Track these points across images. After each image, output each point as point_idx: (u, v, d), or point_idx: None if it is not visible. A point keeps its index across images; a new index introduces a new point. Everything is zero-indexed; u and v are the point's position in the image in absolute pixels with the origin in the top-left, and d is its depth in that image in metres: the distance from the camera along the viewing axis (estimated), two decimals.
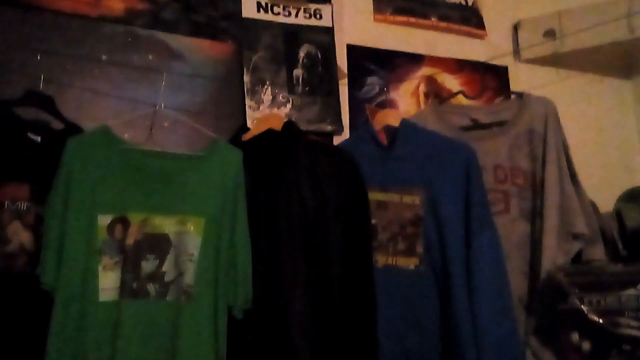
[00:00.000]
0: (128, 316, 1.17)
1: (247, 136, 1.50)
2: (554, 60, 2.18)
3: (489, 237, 1.45)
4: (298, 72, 1.81)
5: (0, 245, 1.22)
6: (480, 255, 1.42)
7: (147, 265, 1.21)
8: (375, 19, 2.00)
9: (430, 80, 2.02)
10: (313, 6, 1.87)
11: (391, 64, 1.98)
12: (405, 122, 1.58)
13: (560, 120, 1.70)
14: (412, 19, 2.04)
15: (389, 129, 1.58)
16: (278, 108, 1.75)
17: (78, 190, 1.20)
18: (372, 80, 1.95)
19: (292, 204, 1.35)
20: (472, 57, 2.11)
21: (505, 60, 2.15)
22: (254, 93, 1.74)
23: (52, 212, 1.19)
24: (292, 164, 1.39)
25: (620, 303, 1.39)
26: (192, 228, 1.25)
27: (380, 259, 1.46)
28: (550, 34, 2.11)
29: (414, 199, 1.48)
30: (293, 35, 1.83)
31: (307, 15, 1.86)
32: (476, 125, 1.73)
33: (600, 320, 1.39)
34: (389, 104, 1.91)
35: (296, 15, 1.85)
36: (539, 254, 1.57)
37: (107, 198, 1.22)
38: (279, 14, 1.83)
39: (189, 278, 1.22)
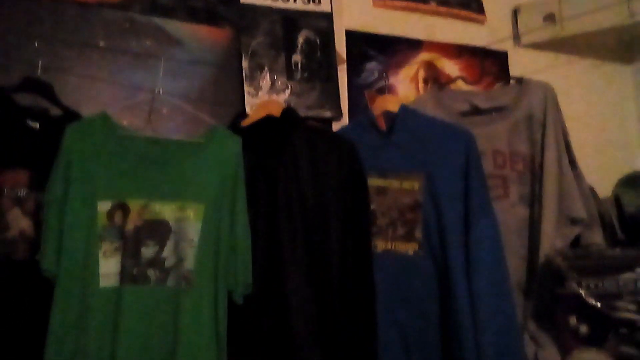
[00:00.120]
0: (129, 302, 1.18)
1: (245, 122, 1.50)
2: (554, 45, 2.17)
3: (488, 222, 1.45)
4: (297, 58, 1.80)
5: (0, 232, 1.23)
6: (479, 240, 1.43)
7: (147, 251, 1.22)
8: (374, 4, 1.99)
9: (430, 66, 2.02)
10: None
11: (390, 49, 1.97)
12: (404, 108, 1.57)
13: (560, 105, 1.70)
14: (412, 4, 2.03)
15: (388, 115, 1.57)
16: (277, 94, 1.74)
17: (77, 177, 1.20)
18: (371, 65, 1.94)
19: (292, 190, 1.35)
20: (472, 42, 2.10)
21: (504, 45, 2.14)
22: (252, 79, 1.73)
23: (52, 198, 1.19)
24: (291, 150, 1.39)
25: (618, 287, 1.40)
26: (191, 214, 1.26)
27: (380, 245, 1.46)
28: (550, 18, 2.10)
29: (413, 185, 1.48)
30: (291, 20, 1.82)
31: (306, 0, 1.85)
32: (475, 111, 1.73)
33: (598, 304, 1.40)
34: (388, 90, 1.90)
35: (295, 1, 1.84)
36: (538, 239, 1.57)
37: (106, 184, 1.22)
38: None
39: (189, 264, 1.23)
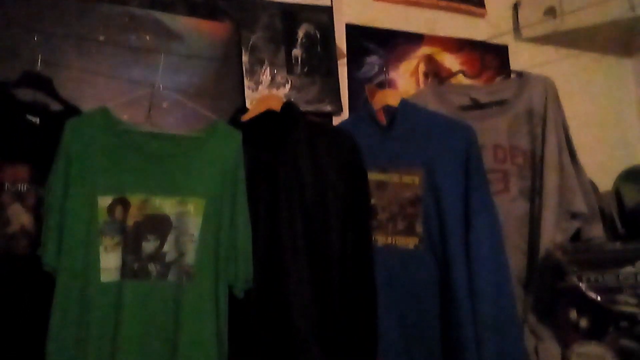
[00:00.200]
0: (130, 296, 1.18)
1: (246, 117, 1.50)
2: (555, 39, 2.17)
3: (489, 217, 1.45)
4: (297, 52, 1.80)
5: (1, 227, 1.23)
6: (479, 234, 1.43)
7: (148, 246, 1.22)
8: None
9: (430, 60, 2.01)
10: None
11: (391, 43, 1.97)
12: (404, 102, 1.57)
13: (560, 99, 1.69)
14: None
15: (388, 109, 1.57)
16: (277, 89, 1.74)
17: (78, 172, 1.20)
18: (371, 59, 1.94)
19: (292, 185, 1.35)
20: (472, 36, 2.09)
21: (505, 39, 2.14)
22: (252, 73, 1.73)
23: (53, 193, 1.19)
24: (291, 145, 1.39)
25: (618, 280, 1.41)
26: (192, 209, 1.26)
27: (380, 239, 1.46)
28: (550, 12, 2.09)
29: (413, 179, 1.48)
30: (291, 14, 1.82)
31: None
32: (476, 105, 1.73)
33: (598, 298, 1.40)
34: (388, 84, 1.90)
35: None
36: (538, 233, 1.57)
37: (106, 179, 1.23)
38: None
39: (189, 258, 1.23)
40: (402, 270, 1.45)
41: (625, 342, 1.37)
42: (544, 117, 1.65)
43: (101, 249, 1.20)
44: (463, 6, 2.10)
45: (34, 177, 1.26)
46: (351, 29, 1.92)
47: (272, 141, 1.40)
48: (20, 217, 1.25)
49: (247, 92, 1.70)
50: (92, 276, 1.18)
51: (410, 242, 1.46)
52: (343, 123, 1.65)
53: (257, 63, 1.74)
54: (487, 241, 1.43)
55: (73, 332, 1.15)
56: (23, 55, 1.45)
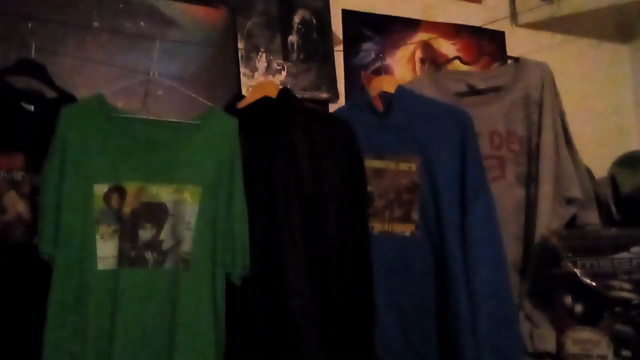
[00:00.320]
0: (127, 284, 1.18)
1: (242, 104, 1.49)
2: (551, 25, 2.16)
3: (485, 203, 1.45)
4: (293, 38, 1.79)
5: None
6: (475, 220, 1.43)
7: (145, 234, 1.22)
8: None
9: (427, 46, 2.00)
10: None
11: (387, 29, 1.96)
12: (401, 89, 1.56)
13: (557, 85, 1.69)
14: None
15: (384, 96, 1.57)
16: (273, 75, 1.73)
17: (73, 160, 1.20)
18: (367, 46, 1.93)
19: (289, 172, 1.35)
20: (469, 22, 2.08)
21: (502, 24, 2.13)
22: (248, 60, 1.72)
23: (48, 181, 1.18)
24: (288, 132, 1.38)
25: (613, 266, 1.41)
26: (188, 197, 1.25)
27: (377, 226, 1.46)
28: None
29: (409, 166, 1.48)
30: (287, 0, 1.80)
31: None
32: (472, 91, 1.72)
33: (594, 283, 1.41)
34: (384, 71, 1.89)
35: None
36: (534, 219, 1.58)
37: (102, 167, 1.22)
38: None
39: (186, 246, 1.23)
40: (399, 257, 1.45)
41: (620, 327, 1.39)
42: (540, 103, 1.65)
43: (98, 237, 1.19)
44: None
45: (30, 165, 1.26)
46: (347, 15, 1.90)
47: (268, 128, 1.40)
48: (16, 205, 1.25)
49: (243, 79, 1.69)
50: (89, 264, 1.17)
51: (406, 229, 1.47)
52: (339, 110, 1.64)
53: (252, 49, 1.73)
54: (483, 227, 1.43)
55: (70, 320, 1.15)
56: (17, 42, 1.44)
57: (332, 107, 1.79)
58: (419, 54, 1.99)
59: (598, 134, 2.11)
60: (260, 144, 1.37)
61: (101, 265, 1.19)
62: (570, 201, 1.60)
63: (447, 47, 2.03)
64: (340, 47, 1.87)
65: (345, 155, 1.38)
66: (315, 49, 1.81)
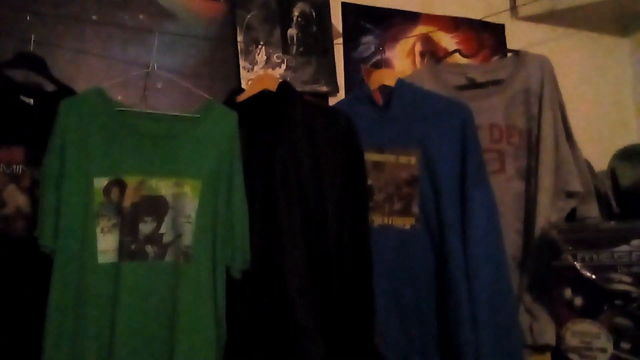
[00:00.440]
0: (127, 277, 1.18)
1: (241, 97, 1.49)
2: (551, 18, 2.16)
3: (484, 196, 1.46)
4: (292, 31, 1.78)
5: None
6: (475, 214, 1.43)
7: (145, 227, 1.22)
8: None
9: (427, 39, 2.00)
10: None
11: (387, 22, 1.95)
12: (401, 82, 1.56)
13: (557, 78, 1.69)
14: None
15: (384, 89, 1.57)
16: (272, 69, 1.73)
17: (73, 153, 1.19)
18: (367, 39, 1.92)
19: (288, 165, 1.35)
20: (469, 15, 2.08)
21: (501, 17, 2.12)
22: (247, 53, 1.71)
23: (48, 175, 1.18)
24: (287, 125, 1.38)
25: (613, 259, 1.41)
26: (188, 190, 1.25)
27: (377, 219, 1.47)
28: None
29: (409, 159, 1.48)
30: None
31: None
32: (472, 85, 1.72)
33: (593, 276, 1.41)
34: (384, 64, 1.88)
35: None
36: (534, 213, 1.58)
37: (102, 160, 1.22)
38: None
39: (187, 239, 1.23)
40: (399, 250, 1.45)
41: (620, 320, 1.39)
42: (540, 96, 1.65)
43: (98, 230, 1.19)
44: None
45: (29, 158, 1.25)
46: (347, 8, 1.90)
47: (268, 121, 1.40)
48: (16, 198, 1.24)
49: (243, 72, 1.69)
50: (90, 258, 1.17)
51: (406, 223, 1.47)
52: (339, 103, 1.64)
53: (252, 43, 1.72)
54: (483, 221, 1.44)
55: (71, 313, 1.15)
56: (16, 35, 1.44)
57: (332, 101, 1.78)
58: (418, 47, 1.99)
59: (598, 127, 2.11)
60: (259, 138, 1.37)
61: (102, 259, 1.19)
62: (570, 194, 1.60)
63: (447, 40, 2.03)
64: (340, 40, 1.87)
65: (345, 149, 1.38)
66: (314, 42, 1.80)
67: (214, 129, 1.31)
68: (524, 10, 2.14)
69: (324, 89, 1.79)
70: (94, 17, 1.57)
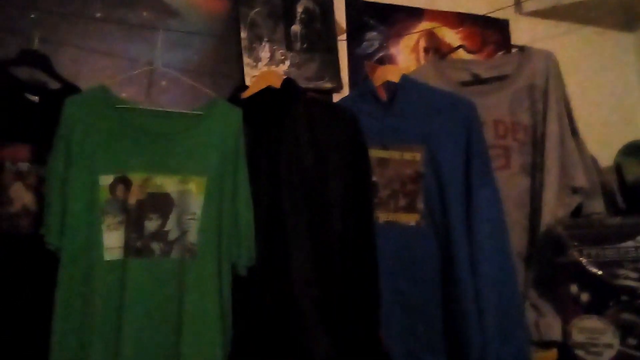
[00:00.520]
0: (133, 274, 1.18)
1: (245, 94, 1.49)
2: (556, 13, 2.15)
3: (490, 193, 1.46)
4: (296, 28, 1.78)
5: (3, 206, 1.22)
6: (480, 210, 1.43)
7: (151, 225, 1.22)
8: None
9: (431, 35, 1.99)
10: None
11: (391, 18, 1.94)
12: (405, 78, 1.56)
13: (562, 73, 1.68)
14: None
15: (388, 85, 1.56)
16: (276, 65, 1.72)
17: (78, 151, 1.20)
18: (371, 35, 1.92)
19: (293, 162, 1.35)
20: (473, 11, 2.07)
21: (506, 13, 2.11)
22: (251, 50, 1.71)
23: (54, 172, 1.19)
24: (291, 122, 1.38)
25: (619, 255, 1.41)
26: (193, 187, 1.25)
27: (382, 216, 1.46)
28: None
29: (414, 156, 1.48)
30: None
31: None
32: (477, 80, 1.72)
33: (599, 272, 1.41)
34: (388, 60, 1.88)
35: None
36: (539, 208, 1.58)
37: (107, 158, 1.22)
38: None
39: (192, 236, 1.23)
40: (404, 247, 1.45)
41: (626, 316, 1.39)
42: (545, 92, 1.64)
43: (104, 227, 1.20)
44: None
45: (35, 156, 1.26)
46: (351, 4, 1.89)
47: (272, 118, 1.40)
48: (22, 196, 1.25)
49: (246, 69, 1.69)
50: (96, 255, 1.18)
51: (411, 219, 1.46)
52: (343, 100, 1.64)
53: (255, 39, 1.72)
54: (488, 217, 1.44)
55: (78, 310, 1.15)
56: (20, 33, 1.44)
57: (336, 97, 1.78)
58: (423, 43, 1.98)
59: (603, 122, 2.10)
60: (264, 134, 1.37)
61: (108, 256, 1.19)
62: (575, 190, 1.59)
63: (451, 36, 2.02)
64: (344, 37, 1.86)
65: (349, 145, 1.38)
66: (318, 39, 1.80)
67: (219, 126, 1.31)
68: (528, 6, 2.13)
69: (328, 85, 1.79)
70: (98, 15, 1.57)
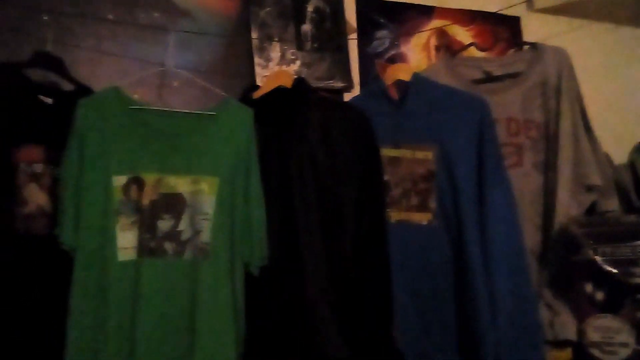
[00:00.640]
0: (147, 274, 1.19)
1: (257, 94, 1.49)
2: (567, 9, 2.13)
3: (503, 191, 1.45)
4: (306, 27, 1.78)
5: (18, 207, 1.23)
6: (493, 209, 1.42)
7: (164, 225, 1.23)
8: None
9: (442, 33, 1.98)
10: None
11: (401, 16, 1.94)
12: (416, 76, 1.55)
13: (575, 70, 1.67)
14: None
15: (400, 84, 1.56)
16: (287, 65, 1.73)
17: (92, 152, 1.21)
18: (381, 34, 1.91)
19: (304, 161, 1.35)
20: (484, 8, 2.06)
21: (517, 10, 2.10)
22: (262, 50, 1.71)
23: (68, 173, 1.19)
24: (303, 121, 1.38)
25: (634, 253, 1.40)
26: (206, 187, 1.26)
27: (394, 215, 1.46)
28: None
29: (426, 154, 1.47)
30: None
31: None
32: (489, 78, 1.71)
33: (614, 271, 1.40)
34: (399, 59, 1.88)
35: None
36: (553, 207, 1.57)
37: (120, 159, 1.23)
38: None
39: (205, 236, 1.24)
40: (416, 246, 1.44)
41: None
42: (558, 89, 1.63)
43: (117, 228, 1.20)
44: None
45: (49, 157, 1.26)
46: (361, 3, 1.89)
47: (283, 118, 1.40)
48: (37, 197, 1.25)
49: (257, 69, 1.69)
50: (110, 255, 1.19)
51: (423, 218, 1.46)
52: (354, 99, 1.64)
53: (266, 39, 1.72)
54: (501, 216, 1.43)
55: (93, 310, 1.16)
56: (33, 35, 1.45)
57: (347, 96, 1.78)
58: (433, 41, 1.97)
59: (617, 119, 2.08)
60: (275, 134, 1.37)
61: (121, 256, 1.19)
62: (589, 188, 1.58)
63: (462, 34, 2.01)
64: (354, 36, 1.86)
65: (361, 144, 1.37)
66: (329, 38, 1.80)
67: (230, 126, 1.31)
68: (539, 3, 2.12)
69: (339, 84, 1.78)
70: (110, 16, 1.58)
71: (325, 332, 1.27)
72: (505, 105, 1.64)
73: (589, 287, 1.43)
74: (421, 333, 1.41)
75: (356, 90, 1.80)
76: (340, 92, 1.79)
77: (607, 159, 1.69)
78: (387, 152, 1.46)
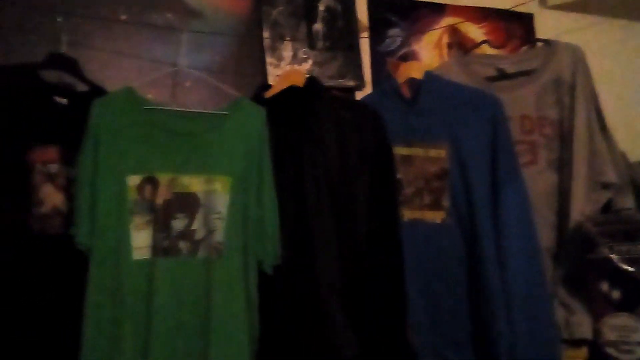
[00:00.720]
0: (161, 273, 1.20)
1: (269, 93, 1.49)
2: (581, 6, 2.12)
3: (517, 189, 1.44)
4: (318, 26, 1.78)
5: (34, 207, 1.24)
6: (507, 207, 1.42)
7: (177, 224, 1.23)
8: None
9: (454, 31, 1.98)
10: None
11: (413, 14, 1.93)
12: (429, 74, 1.55)
13: (589, 67, 1.66)
14: None
15: (412, 82, 1.55)
16: (299, 64, 1.73)
17: (106, 152, 1.21)
18: (393, 32, 1.91)
19: (317, 160, 1.35)
20: (496, 5, 2.04)
21: (530, 6, 2.08)
22: (274, 50, 1.71)
23: (82, 173, 1.20)
24: (315, 120, 1.38)
25: None
26: (219, 187, 1.26)
27: (407, 214, 1.45)
28: None
29: (439, 153, 1.47)
30: None
31: None
32: (502, 75, 1.70)
33: (630, 269, 1.39)
34: (411, 57, 1.87)
35: None
36: (567, 205, 1.56)
37: (134, 158, 1.23)
38: None
39: (218, 235, 1.24)
40: (429, 244, 1.44)
41: None
42: (572, 86, 1.62)
43: (132, 227, 1.21)
44: None
45: (64, 157, 1.27)
46: (372, 1, 1.88)
47: (296, 117, 1.40)
48: (52, 197, 1.26)
49: (269, 69, 1.69)
50: (124, 254, 1.19)
51: (437, 217, 1.45)
52: (366, 97, 1.63)
53: (278, 38, 1.72)
54: (515, 214, 1.42)
55: (108, 309, 1.17)
56: (48, 37, 1.46)
57: (359, 95, 1.78)
58: (446, 39, 1.97)
59: (632, 116, 2.06)
60: (288, 133, 1.37)
61: (136, 255, 1.20)
62: (605, 185, 1.57)
63: (475, 31, 2.00)
64: (366, 34, 1.86)
65: (373, 143, 1.37)
66: (340, 37, 1.80)
67: (243, 125, 1.32)
68: None
69: (351, 83, 1.78)
70: (123, 17, 1.59)
71: (339, 331, 1.27)
72: (519, 102, 1.63)
73: (604, 286, 1.42)
74: (435, 332, 1.41)
75: (368, 89, 1.79)
76: (352, 90, 1.79)
77: (623, 156, 1.67)
78: (399, 150, 1.46)
